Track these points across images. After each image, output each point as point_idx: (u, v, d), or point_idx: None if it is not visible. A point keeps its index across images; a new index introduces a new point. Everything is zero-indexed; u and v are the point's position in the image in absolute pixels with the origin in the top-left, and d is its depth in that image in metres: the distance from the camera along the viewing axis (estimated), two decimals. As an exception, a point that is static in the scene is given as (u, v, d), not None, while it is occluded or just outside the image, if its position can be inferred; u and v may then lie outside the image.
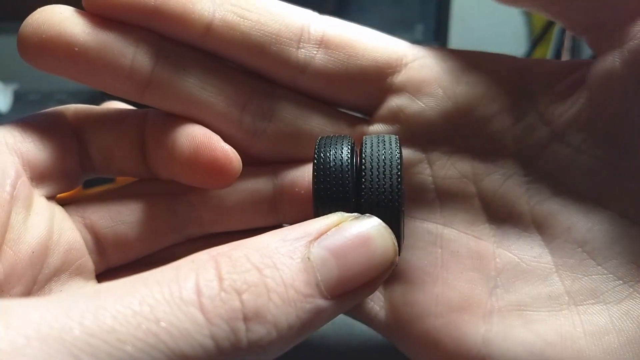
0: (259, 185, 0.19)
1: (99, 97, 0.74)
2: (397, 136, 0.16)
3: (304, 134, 0.19)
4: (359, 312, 0.19)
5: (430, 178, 0.19)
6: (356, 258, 0.13)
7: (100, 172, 0.19)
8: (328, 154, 0.16)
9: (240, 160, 0.18)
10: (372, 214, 0.14)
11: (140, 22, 0.17)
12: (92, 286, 0.18)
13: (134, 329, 0.10)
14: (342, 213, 0.14)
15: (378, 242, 0.13)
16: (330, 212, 0.14)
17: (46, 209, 0.17)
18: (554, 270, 0.17)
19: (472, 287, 0.17)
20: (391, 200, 0.15)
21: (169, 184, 0.19)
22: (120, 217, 0.19)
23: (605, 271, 0.17)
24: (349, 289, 0.13)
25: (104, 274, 0.19)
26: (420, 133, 0.19)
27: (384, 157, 0.15)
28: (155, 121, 0.19)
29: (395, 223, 0.14)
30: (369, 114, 0.20)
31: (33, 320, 0.10)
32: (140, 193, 0.19)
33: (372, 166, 0.15)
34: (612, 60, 0.16)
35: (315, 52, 0.18)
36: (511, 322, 0.17)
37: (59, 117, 0.18)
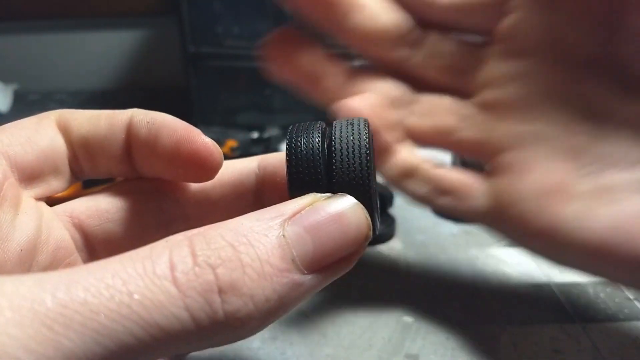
0: (242, 177, 0.20)
1: (99, 97, 0.75)
2: (366, 119, 0.17)
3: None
4: (460, 204, 0.21)
5: (536, 85, 0.21)
6: (330, 234, 0.13)
7: (89, 174, 0.19)
8: (299, 140, 0.16)
9: (222, 152, 0.18)
10: (344, 193, 0.14)
11: None
12: None
13: (107, 301, 0.10)
14: (315, 194, 0.14)
15: (351, 218, 0.14)
16: (303, 194, 0.14)
17: (34, 208, 0.17)
18: None
19: (565, 174, 0.19)
20: (361, 178, 0.15)
21: (155, 182, 0.19)
22: (108, 216, 0.19)
23: None
24: (325, 263, 0.13)
25: None
26: (532, 47, 0.21)
27: (353, 138, 0.16)
28: (138, 121, 0.19)
29: (367, 200, 0.15)
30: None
31: (6, 291, 0.10)
32: (127, 191, 0.19)
33: (341, 147, 0.15)
34: None
35: None
36: (598, 202, 0.19)
37: (47, 120, 0.19)
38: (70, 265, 0.18)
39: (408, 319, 0.24)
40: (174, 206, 0.20)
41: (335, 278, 0.14)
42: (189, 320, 0.11)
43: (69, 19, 0.70)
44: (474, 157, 0.23)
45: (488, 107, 0.21)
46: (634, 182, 0.18)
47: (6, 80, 0.58)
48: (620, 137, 0.19)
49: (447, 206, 0.22)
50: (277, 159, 0.20)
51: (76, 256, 0.18)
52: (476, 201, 0.21)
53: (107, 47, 0.73)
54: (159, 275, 0.11)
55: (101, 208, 0.19)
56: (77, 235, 0.19)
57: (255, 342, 0.23)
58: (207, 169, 0.18)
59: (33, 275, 0.11)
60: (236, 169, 0.20)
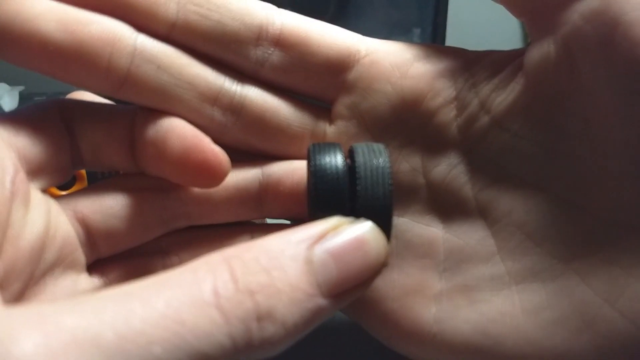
0: (247, 183, 0.20)
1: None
2: (384, 144, 0.17)
3: (271, 128, 0.20)
4: None
5: None
6: (353, 260, 0.14)
7: (90, 166, 0.20)
8: (323, 161, 0.16)
9: (230, 161, 0.19)
10: (366, 218, 0.15)
11: (110, 12, 0.18)
12: (85, 280, 0.19)
13: (162, 331, 0.11)
14: (340, 217, 0.15)
15: (372, 244, 0.14)
16: (326, 215, 0.15)
17: (43, 203, 0.17)
18: (496, 252, 0.18)
19: (423, 272, 0.19)
20: (384, 205, 0.16)
21: (158, 179, 0.20)
22: (112, 212, 0.19)
23: (543, 251, 0.17)
24: (345, 288, 0.14)
25: (93, 264, 0.20)
26: (373, 129, 0.20)
27: (376, 165, 0.16)
28: (144, 118, 0.19)
29: (387, 227, 0.15)
30: (331, 104, 0.21)
31: (68, 325, 0.10)
32: (130, 188, 0.20)
33: (365, 174, 0.16)
34: (547, 46, 0.17)
35: (271, 51, 0.19)
36: (458, 303, 0.18)
37: (50, 110, 0.18)
38: (73, 261, 0.18)
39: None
40: (176, 204, 0.20)
41: (350, 301, 0.14)
42: (229, 346, 0.12)
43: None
44: None
45: None
46: (491, 278, 0.18)
47: (12, 82, 0.59)
48: (471, 228, 0.19)
49: None
50: (282, 169, 0.20)
51: (79, 252, 0.18)
52: None
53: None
54: (207, 303, 0.12)
55: (105, 204, 0.19)
56: (80, 230, 0.18)
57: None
58: (215, 177, 0.18)
59: (88, 303, 0.11)
60: (240, 174, 0.20)
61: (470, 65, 0.19)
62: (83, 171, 0.32)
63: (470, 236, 0.19)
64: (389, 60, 0.20)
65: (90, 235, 0.19)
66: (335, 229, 0.14)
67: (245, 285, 0.12)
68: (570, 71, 0.16)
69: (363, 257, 0.14)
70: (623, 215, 0.16)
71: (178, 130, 0.18)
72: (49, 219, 0.17)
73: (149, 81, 0.18)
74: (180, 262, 0.20)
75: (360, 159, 0.16)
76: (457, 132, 0.19)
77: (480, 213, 0.19)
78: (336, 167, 0.16)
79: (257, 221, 0.22)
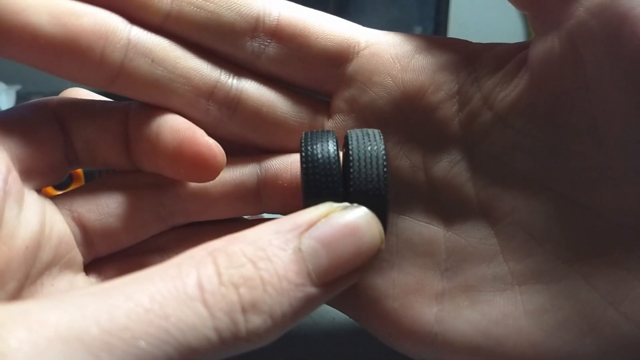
0: (244, 178, 0.20)
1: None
2: (379, 130, 0.17)
3: (268, 123, 0.20)
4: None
5: None
6: (345, 247, 0.13)
7: (85, 165, 0.19)
8: (315, 148, 0.16)
9: (224, 154, 0.18)
10: (359, 204, 0.14)
11: (103, 3, 0.17)
12: (83, 280, 0.19)
13: (146, 325, 0.11)
14: (331, 203, 0.14)
15: (365, 230, 0.14)
16: (319, 202, 0.14)
17: (38, 203, 0.17)
18: (499, 251, 0.18)
19: (424, 271, 0.18)
20: (378, 189, 0.15)
21: (154, 176, 0.19)
22: (108, 210, 0.19)
23: (546, 251, 0.17)
24: (338, 276, 0.13)
25: (90, 264, 0.19)
26: (373, 124, 0.19)
27: (370, 149, 0.16)
28: (138, 113, 0.19)
29: (382, 212, 0.15)
30: (330, 97, 0.20)
31: (52, 322, 0.10)
32: (126, 185, 0.19)
33: (359, 157, 0.15)
34: (551, 40, 0.16)
35: (268, 42, 0.19)
36: (460, 303, 0.18)
37: (43, 110, 0.18)
38: (71, 260, 0.18)
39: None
40: (173, 201, 0.20)
41: (344, 289, 0.14)
42: (216, 339, 0.12)
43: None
44: None
45: None
46: (493, 278, 0.17)
47: (9, 82, 0.59)
48: (473, 227, 0.18)
49: None
50: (280, 163, 0.20)
51: (76, 251, 0.18)
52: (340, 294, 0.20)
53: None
54: (190, 297, 0.12)
55: (101, 202, 0.19)
56: (76, 230, 0.18)
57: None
58: (210, 170, 0.18)
59: (71, 299, 0.11)
60: (238, 169, 0.20)
61: (473, 58, 0.19)
62: (79, 170, 0.32)
63: (472, 235, 0.18)
64: (389, 52, 0.19)
65: (87, 234, 0.19)
66: (326, 215, 0.14)
67: (229, 279, 0.12)
68: (575, 66, 0.16)
69: (355, 243, 0.14)
70: (628, 216, 0.16)
71: (171, 124, 0.18)
72: (43, 218, 0.17)
73: (143, 75, 0.18)
74: None
75: (354, 143, 0.16)
76: (459, 128, 0.19)
77: (482, 211, 0.18)
78: (327, 152, 0.16)
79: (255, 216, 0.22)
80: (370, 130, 0.16)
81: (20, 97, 0.60)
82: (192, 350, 0.11)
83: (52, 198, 0.19)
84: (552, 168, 0.17)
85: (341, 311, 0.20)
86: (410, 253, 0.19)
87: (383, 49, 0.19)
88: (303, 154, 0.16)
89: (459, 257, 0.18)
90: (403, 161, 0.19)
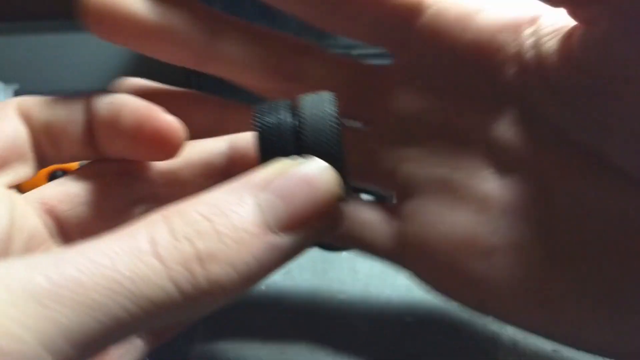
0: (212, 157, 0.20)
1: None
2: (331, 92, 0.17)
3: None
4: (363, 242, 0.20)
5: (443, 125, 0.20)
6: (301, 195, 0.14)
7: (54, 160, 0.19)
8: (265, 114, 0.16)
9: (186, 131, 0.18)
10: (313, 156, 0.15)
11: None
12: None
13: (98, 278, 0.11)
14: (284, 159, 0.15)
15: (321, 178, 0.14)
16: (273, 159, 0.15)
17: (6, 197, 0.17)
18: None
19: (475, 227, 0.18)
20: (330, 139, 0.15)
21: (122, 163, 0.19)
22: (78, 199, 0.19)
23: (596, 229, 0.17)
24: (299, 221, 0.13)
25: None
26: (432, 84, 0.20)
27: (321, 105, 0.16)
28: (98, 101, 0.19)
29: (336, 161, 0.15)
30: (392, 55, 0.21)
31: None
32: (95, 174, 0.19)
33: (310, 113, 0.16)
34: (607, 26, 0.15)
35: None
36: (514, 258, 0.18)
37: (8, 109, 0.19)
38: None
39: (408, 318, 0.24)
40: (143, 186, 0.20)
41: (314, 239, 0.14)
42: (175, 291, 0.12)
43: (70, 19, 0.70)
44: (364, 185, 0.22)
45: (393, 142, 0.21)
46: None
47: (7, 81, 0.59)
48: (527, 188, 0.18)
49: (350, 241, 0.21)
50: (247, 141, 0.20)
51: (50, 243, 0.18)
52: (382, 241, 0.20)
53: (108, 47, 0.73)
54: (142, 252, 0.12)
55: (71, 192, 0.19)
56: (50, 222, 0.18)
57: (255, 341, 0.23)
58: (170, 147, 0.18)
59: (21, 258, 0.11)
60: (205, 149, 0.20)
61: (536, 18, 0.18)
62: (74, 165, 0.32)
63: (526, 196, 0.18)
64: (453, 11, 0.19)
65: (61, 225, 0.19)
66: (280, 171, 0.14)
67: (183, 234, 0.12)
68: (635, 54, 0.15)
69: (312, 191, 0.14)
70: None
71: (131, 105, 0.18)
72: (13, 212, 0.17)
73: (228, 53, 0.20)
74: None
75: (305, 102, 0.16)
76: (517, 90, 0.18)
77: (537, 174, 0.18)
78: (278, 115, 0.16)
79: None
80: (321, 92, 0.16)
81: (17, 95, 0.60)
82: (151, 303, 0.11)
83: (24, 193, 0.19)
84: (606, 139, 0.16)
85: (376, 254, 0.21)
86: (464, 209, 0.19)
87: (447, 8, 0.19)
88: (254, 120, 0.16)
89: (511, 216, 0.18)
90: (462, 120, 0.19)
